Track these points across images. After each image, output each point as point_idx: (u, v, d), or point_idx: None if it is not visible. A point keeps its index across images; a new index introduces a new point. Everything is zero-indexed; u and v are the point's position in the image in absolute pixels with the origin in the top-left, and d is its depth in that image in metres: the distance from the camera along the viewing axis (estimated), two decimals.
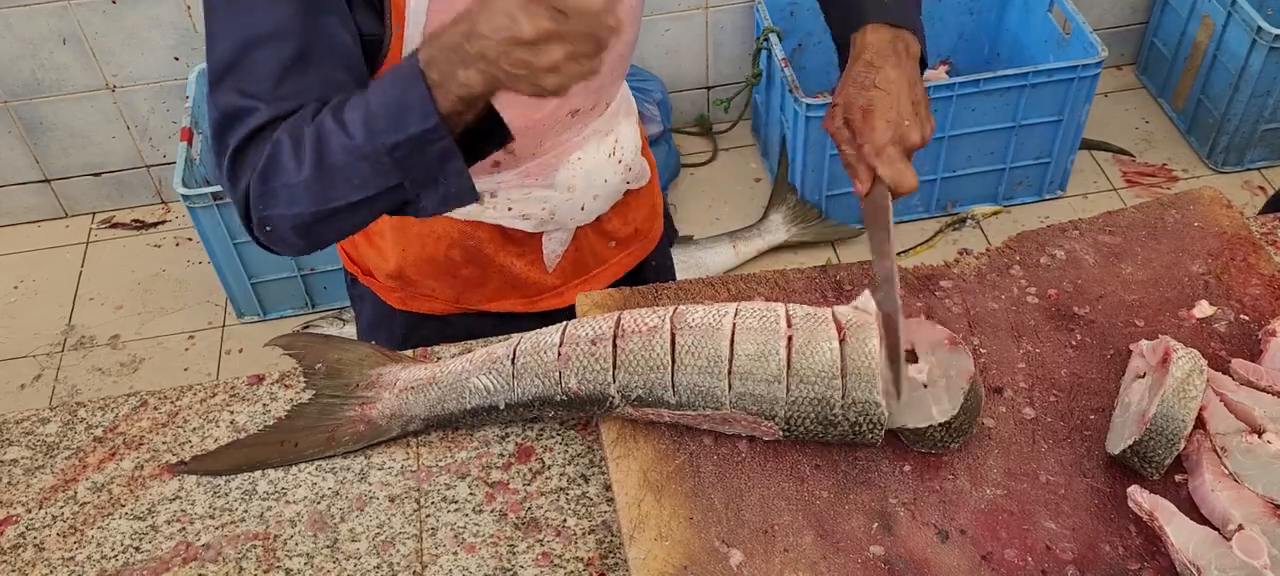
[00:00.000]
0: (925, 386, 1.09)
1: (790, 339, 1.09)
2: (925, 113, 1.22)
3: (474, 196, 1.08)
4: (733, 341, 1.09)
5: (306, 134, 1.06)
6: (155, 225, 3.27)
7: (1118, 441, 1.08)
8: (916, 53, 1.25)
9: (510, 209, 1.37)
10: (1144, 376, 1.12)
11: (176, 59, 2.99)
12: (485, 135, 1.09)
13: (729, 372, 1.07)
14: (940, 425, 1.07)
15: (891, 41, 1.23)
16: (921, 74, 1.26)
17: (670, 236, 1.70)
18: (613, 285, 1.54)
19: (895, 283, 1.13)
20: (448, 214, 1.37)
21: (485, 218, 1.38)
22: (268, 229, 1.11)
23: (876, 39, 1.23)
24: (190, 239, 3.16)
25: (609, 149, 1.41)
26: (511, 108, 1.26)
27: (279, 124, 1.08)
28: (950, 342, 1.11)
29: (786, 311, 1.11)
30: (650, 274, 1.61)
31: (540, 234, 1.43)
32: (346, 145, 1.04)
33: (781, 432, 1.09)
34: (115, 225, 3.27)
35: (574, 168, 1.37)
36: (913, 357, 1.11)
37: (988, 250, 1.33)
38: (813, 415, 1.07)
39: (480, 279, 1.44)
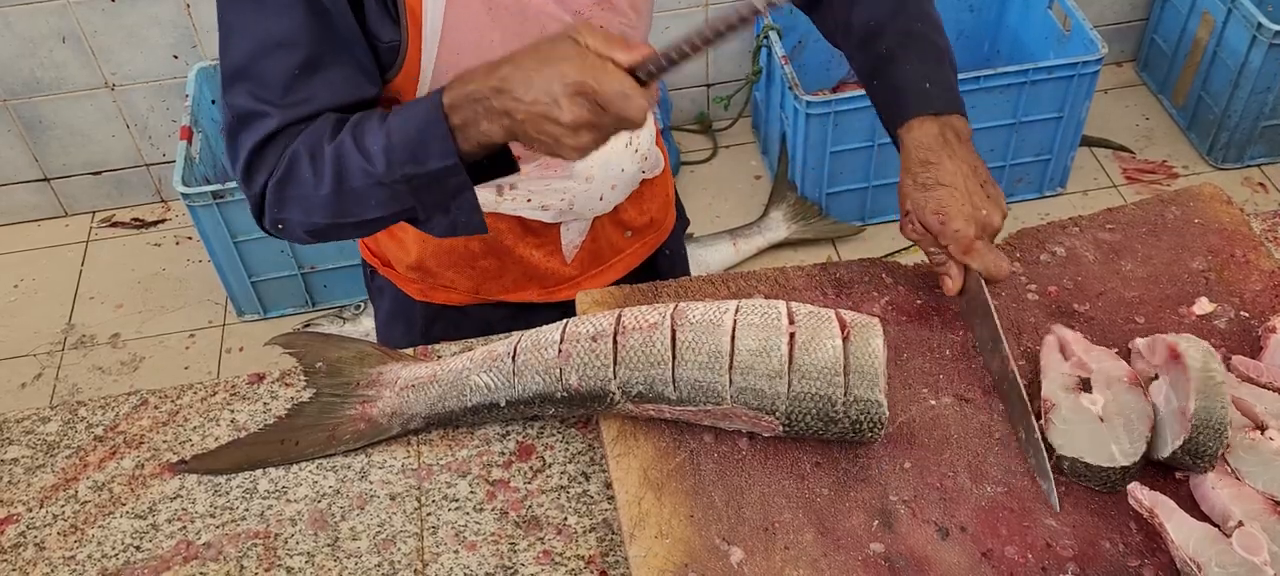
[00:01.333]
0: (1101, 420, 1.08)
1: (793, 335, 1.09)
2: (995, 191, 1.21)
3: (482, 228, 1.16)
4: (733, 337, 1.09)
5: (326, 153, 1.12)
6: (155, 224, 3.27)
7: (1162, 445, 1.07)
8: (967, 134, 1.24)
9: (530, 200, 1.39)
10: (1156, 378, 1.11)
11: (176, 57, 2.99)
12: (495, 166, 1.14)
13: (730, 368, 1.07)
14: (1120, 468, 1.05)
15: (939, 132, 1.22)
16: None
17: (683, 226, 1.72)
18: (628, 275, 1.56)
19: (1010, 362, 1.13)
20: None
21: (505, 209, 1.39)
22: (280, 227, 1.18)
23: (924, 135, 1.22)
24: (190, 237, 3.16)
25: (626, 138, 1.43)
26: None
27: (291, 131, 1.14)
28: (1131, 380, 1.10)
29: (788, 309, 1.11)
30: (664, 263, 1.63)
31: (558, 225, 1.44)
32: (366, 170, 1.10)
33: (782, 428, 1.09)
34: (115, 224, 3.27)
35: (592, 158, 1.38)
36: (1086, 387, 1.11)
37: None
38: (814, 411, 1.07)
39: (499, 270, 1.46)
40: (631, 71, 1.02)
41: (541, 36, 1.23)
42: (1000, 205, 1.20)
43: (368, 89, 1.18)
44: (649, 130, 1.48)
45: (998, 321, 1.15)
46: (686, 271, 1.75)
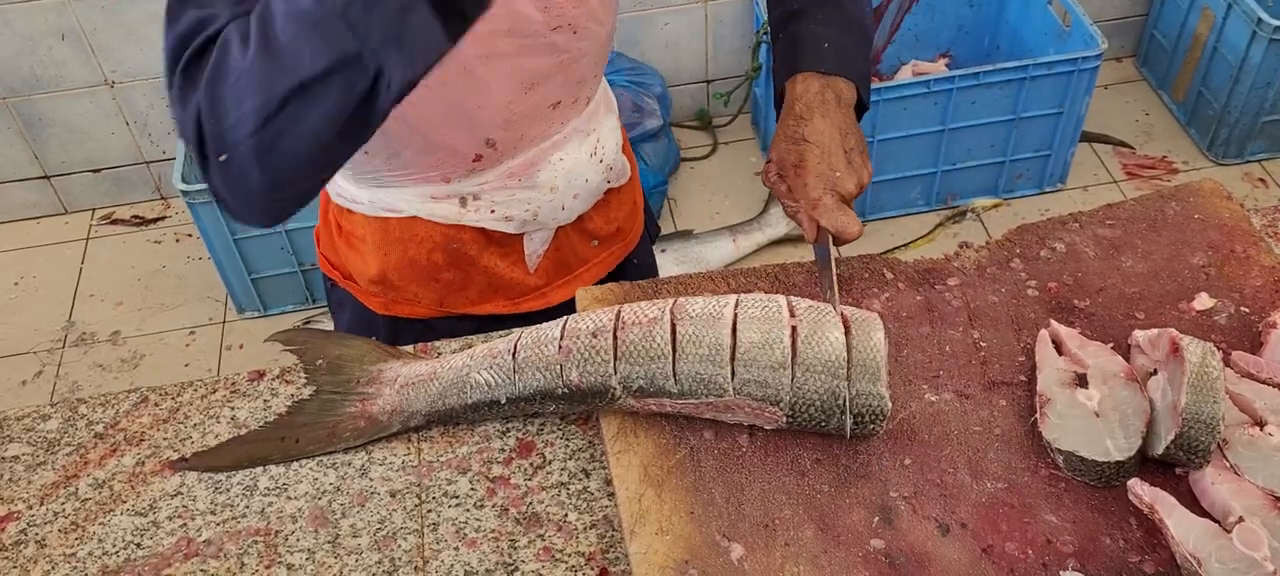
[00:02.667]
0: (1097, 415, 1.09)
1: (795, 328, 1.09)
2: (860, 160, 1.25)
3: (444, 40, 0.93)
4: (734, 330, 1.09)
5: (253, 20, 0.93)
6: (155, 221, 3.27)
7: (1157, 441, 1.07)
8: (850, 100, 1.28)
9: (493, 211, 1.37)
10: (1155, 373, 1.11)
11: None
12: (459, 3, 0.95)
13: (732, 360, 1.08)
14: (1115, 462, 1.05)
15: (820, 91, 1.25)
16: (859, 119, 1.29)
17: (652, 234, 1.71)
18: (595, 284, 1.54)
19: (836, 303, 1.15)
20: (429, 217, 1.35)
21: (468, 220, 1.37)
22: (223, 158, 0.96)
23: (805, 89, 1.26)
24: (190, 235, 3.17)
25: (591, 149, 1.41)
26: (498, 88, 1.26)
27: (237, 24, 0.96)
28: (1127, 376, 1.10)
29: (789, 303, 1.11)
30: (632, 272, 1.61)
31: (522, 234, 1.42)
32: (293, 14, 0.90)
33: (785, 419, 1.09)
34: (115, 221, 3.27)
35: (556, 168, 1.37)
36: (1082, 382, 1.12)
37: (988, 243, 1.33)
38: (818, 403, 1.07)
39: (463, 282, 1.44)
40: None
41: (514, 22, 1.21)
42: (859, 175, 1.25)
43: None
44: (614, 139, 1.46)
45: (835, 274, 1.21)
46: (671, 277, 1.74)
